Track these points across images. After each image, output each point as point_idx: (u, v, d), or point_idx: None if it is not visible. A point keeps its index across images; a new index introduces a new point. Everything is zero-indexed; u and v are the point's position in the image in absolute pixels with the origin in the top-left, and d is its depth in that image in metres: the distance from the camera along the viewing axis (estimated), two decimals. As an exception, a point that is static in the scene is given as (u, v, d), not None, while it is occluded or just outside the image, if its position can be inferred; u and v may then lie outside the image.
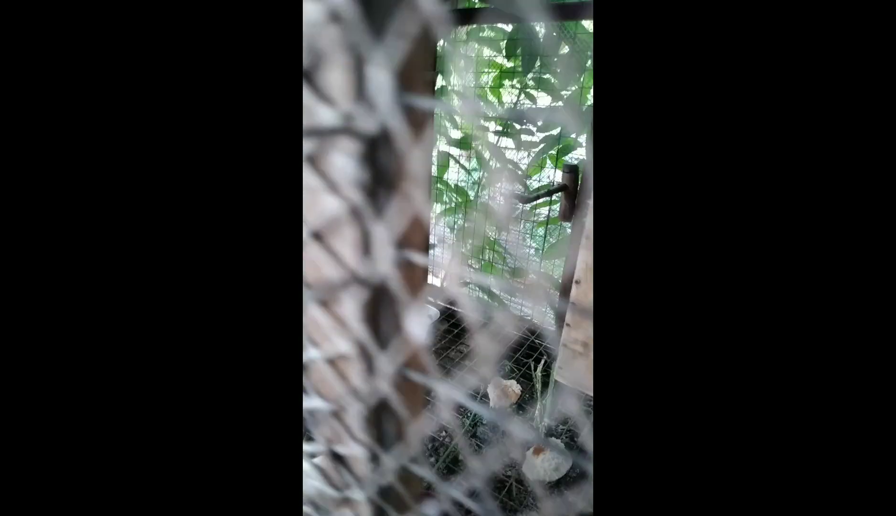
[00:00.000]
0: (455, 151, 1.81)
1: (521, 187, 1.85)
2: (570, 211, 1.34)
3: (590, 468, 0.20)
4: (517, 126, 1.70)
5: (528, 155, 1.72)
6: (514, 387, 1.34)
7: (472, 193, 1.85)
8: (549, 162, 1.77)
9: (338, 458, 0.28)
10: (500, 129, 1.76)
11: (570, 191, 1.31)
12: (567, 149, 1.69)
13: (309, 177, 0.22)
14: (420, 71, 0.19)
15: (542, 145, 1.69)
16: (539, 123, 1.65)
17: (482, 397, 1.31)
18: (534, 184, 1.88)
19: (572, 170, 1.30)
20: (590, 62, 1.48)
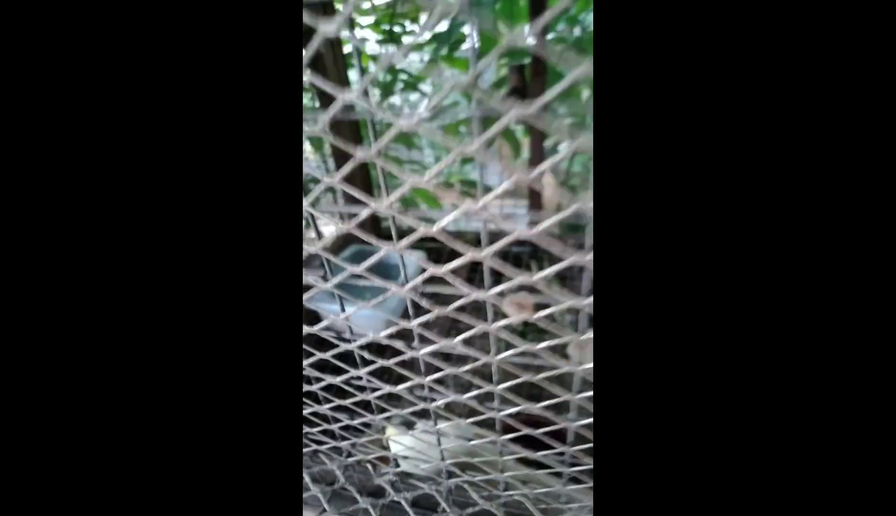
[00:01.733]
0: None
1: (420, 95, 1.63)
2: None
3: None
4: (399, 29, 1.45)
5: (420, 61, 1.50)
6: (528, 297, 1.20)
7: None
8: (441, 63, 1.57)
9: None
10: (382, 35, 1.47)
11: (520, 90, 1.23)
12: (458, 44, 1.52)
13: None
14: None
15: (433, 45, 1.48)
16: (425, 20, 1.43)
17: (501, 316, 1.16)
18: (426, 88, 1.66)
19: (519, 70, 1.22)
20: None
